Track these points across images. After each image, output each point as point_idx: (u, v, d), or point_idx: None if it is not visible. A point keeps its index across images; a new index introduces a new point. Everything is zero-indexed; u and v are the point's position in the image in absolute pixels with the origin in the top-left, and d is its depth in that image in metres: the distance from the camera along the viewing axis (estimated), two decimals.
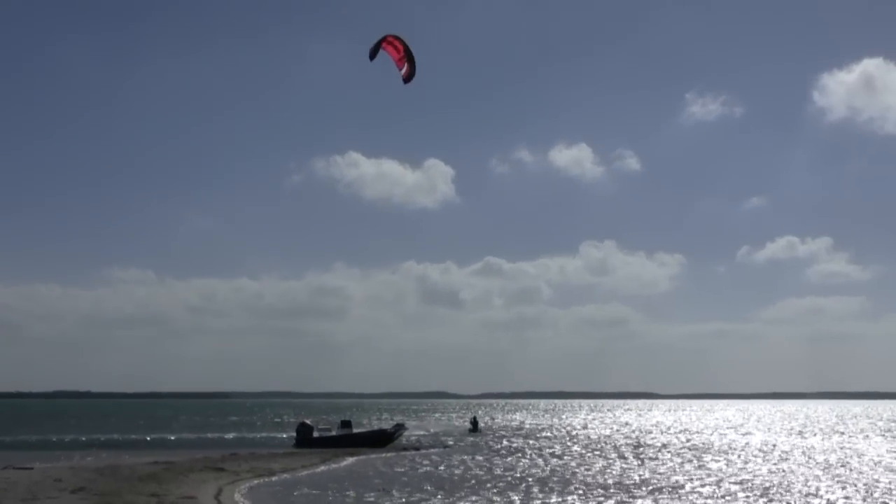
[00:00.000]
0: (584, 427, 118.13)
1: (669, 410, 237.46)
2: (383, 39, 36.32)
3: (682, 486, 42.79)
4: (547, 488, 42.53)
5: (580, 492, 41.41)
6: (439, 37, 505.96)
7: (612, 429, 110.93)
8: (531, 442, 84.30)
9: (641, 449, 72.21)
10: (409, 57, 35.98)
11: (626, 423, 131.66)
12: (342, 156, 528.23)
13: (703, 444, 78.80)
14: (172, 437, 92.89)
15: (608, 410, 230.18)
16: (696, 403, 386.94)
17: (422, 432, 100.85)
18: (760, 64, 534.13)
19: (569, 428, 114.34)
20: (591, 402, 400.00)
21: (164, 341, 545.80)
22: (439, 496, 41.06)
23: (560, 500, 38.66)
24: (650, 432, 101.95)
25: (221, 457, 59.84)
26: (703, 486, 43.47)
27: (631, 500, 38.08)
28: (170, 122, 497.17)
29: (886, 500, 37.98)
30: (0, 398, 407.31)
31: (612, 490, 42.05)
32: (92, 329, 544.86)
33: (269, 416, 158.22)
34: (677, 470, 51.50)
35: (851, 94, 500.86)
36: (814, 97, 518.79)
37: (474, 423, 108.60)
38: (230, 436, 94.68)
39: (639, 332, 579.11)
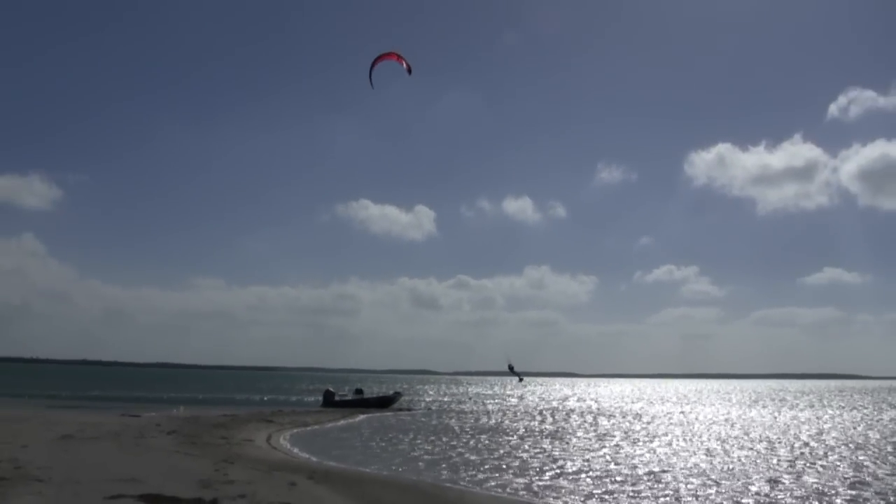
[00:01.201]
0: (521, 398, 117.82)
1: (587, 386, 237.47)
2: (376, 62, 35.86)
3: (573, 434, 43.44)
4: (490, 435, 43.20)
5: (513, 438, 42.05)
6: (424, 120, 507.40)
7: (539, 397, 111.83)
8: (483, 407, 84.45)
9: (551, 412, 72.70)
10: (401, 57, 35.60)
11: (547, 394, 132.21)
12: (356, 202, 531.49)
13: (599, 408, 79.46)
14: (236, 397, 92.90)
15: (540, 385, 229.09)
16: (605, 380, 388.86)
17: (417, 398, 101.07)
18: (648, 144, 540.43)
19: (511, 396, 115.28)
20: (530, 378, 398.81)
21: (229, 330, 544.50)
22: (419, 438, 42.07)
23: (500, 439, 39.35)
24: (566, 400, 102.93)
25: (270, 412, 60.01)
26: (586, 433, 44.17)
27: (536, 442, 38.71)
28: (240, 174, 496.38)
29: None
30: (119, 366, 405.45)
31: (524, 435, 42.76)
32: (181, 320, 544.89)
33: (303, 385, 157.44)
34: (574, 425, 52.03)
35: (710, 167, 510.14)
36: (685, 168, 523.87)
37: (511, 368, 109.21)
38: (277, 397, 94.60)
39: (565, 331, 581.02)
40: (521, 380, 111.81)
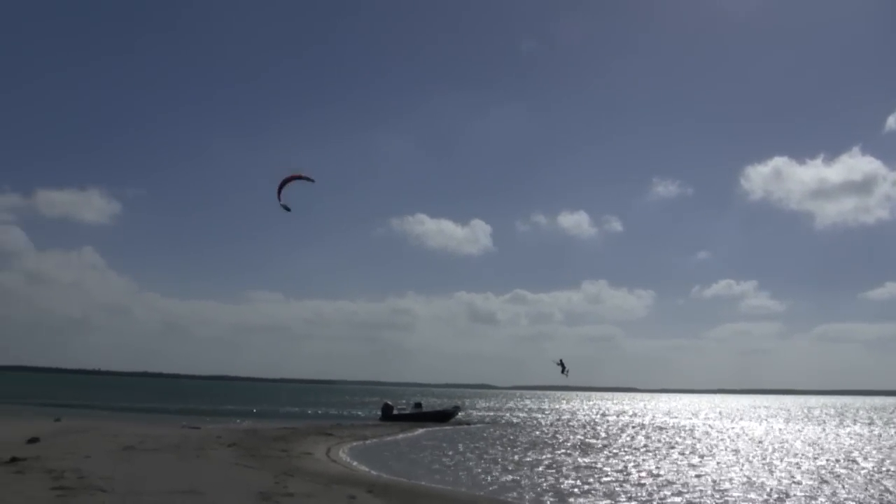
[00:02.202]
0: (574, 412, 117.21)
1: (645, 401, 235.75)
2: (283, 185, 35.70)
3: (634, 449, 43.09)
4: (548, 449, 43.01)
5: (570, 452, 41.78)
6: (477, 133, 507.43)
7: (597, 411, 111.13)
8: (541, 421, 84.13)
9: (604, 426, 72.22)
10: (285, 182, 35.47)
11: (607, 409, 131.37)
12: (412, 216, 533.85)
13: (654, 423, 78.81)
14: (294, 410, 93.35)
15: (599, 400, 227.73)
16: (664, 396, 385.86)
17: (476, 413, 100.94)
18: (704, 158, 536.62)
19: (570, 411, 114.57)
20: (588, 393, 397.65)
21: (287, 343, 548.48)
22: (477, 452, 41.66)
23: (558, 454, 39.12)
24: (622, 415, 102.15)
25: (329, 426, 60.28)
26: (644, 449, 43.80)
27: (593, 457, 38.44)
28: (295, 187, 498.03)
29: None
30: (178, 378, 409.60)
31: (580, 449, 42.44)
32: (238, 333, 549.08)
33: (361, 398, 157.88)
34: (633, 441, 51.69)
35: (766, 181, 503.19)
36: (741, 182, 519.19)
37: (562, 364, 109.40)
38: (335, 411, 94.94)
39: (623, 345, 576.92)
40: (564, 371, 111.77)
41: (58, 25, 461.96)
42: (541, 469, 35.36)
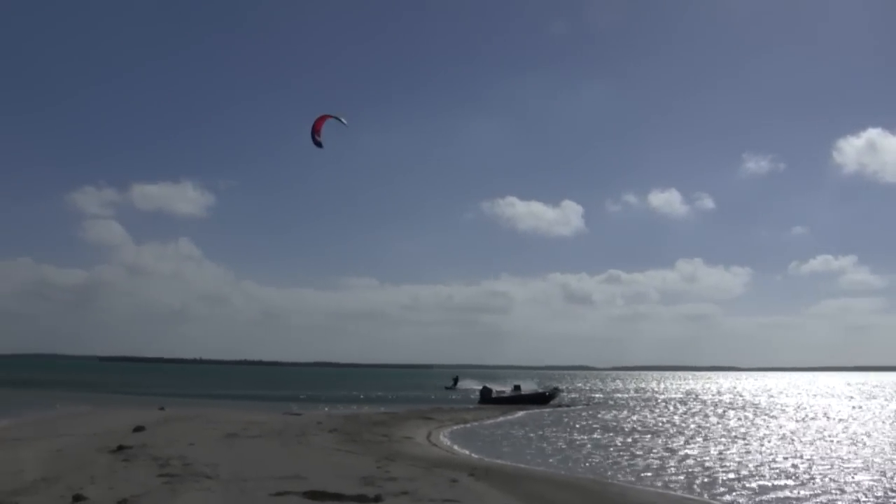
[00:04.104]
0: (672, 392, 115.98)
1: (747, 379, 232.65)
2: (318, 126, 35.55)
3: (733, 430, 42.52)
4: (648, 430, 42.69)
5: (671, 433, 41.36)
6: (563, 114, 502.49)
7: (697, 392, 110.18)
8: (640, 402, 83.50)
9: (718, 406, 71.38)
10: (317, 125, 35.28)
11: (707, 388, 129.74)
12: (503, 199, 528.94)
13: (756, 403, 77.54)
14: (392, 396, 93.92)
15: (697, 380, 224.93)
16: (764, 374, 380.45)
17: (575, 395, 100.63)
18: (794, 132, 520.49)
19: (668, 391, 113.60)
20: (686, 373, 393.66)
21: (384, 329, 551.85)
22: (577, 434, 41.58)
23: (658, 435, 38.81)
24: (722, 394, 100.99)
25: (429, 409, 60.65)
26: (746, 430, 43.15)
27: (694, 437, 38.02)
28: (386, 174, 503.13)
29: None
30: (277, 366, 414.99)
31: (682, 431, 41.96)
32: (335, 320, 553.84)
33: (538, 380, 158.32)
34: (733, 422, 51.04)
35: (860, 154, 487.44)
36: (834, 155, 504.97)
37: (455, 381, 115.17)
38: (433, 395, 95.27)
39: (721, 324, 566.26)
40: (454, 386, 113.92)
41: (146, 20, 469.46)
42: (641, 451, 35.05)
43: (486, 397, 73.64)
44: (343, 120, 35.98)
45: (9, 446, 29.90)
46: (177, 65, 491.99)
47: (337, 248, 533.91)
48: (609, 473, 27.91)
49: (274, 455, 27.36)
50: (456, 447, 35.38)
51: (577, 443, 38.69)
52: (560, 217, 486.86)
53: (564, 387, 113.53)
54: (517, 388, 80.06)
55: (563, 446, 36.91)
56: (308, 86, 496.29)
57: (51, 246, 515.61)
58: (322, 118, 35.20)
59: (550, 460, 31.51)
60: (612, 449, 35.90)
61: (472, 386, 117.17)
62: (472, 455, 32.23)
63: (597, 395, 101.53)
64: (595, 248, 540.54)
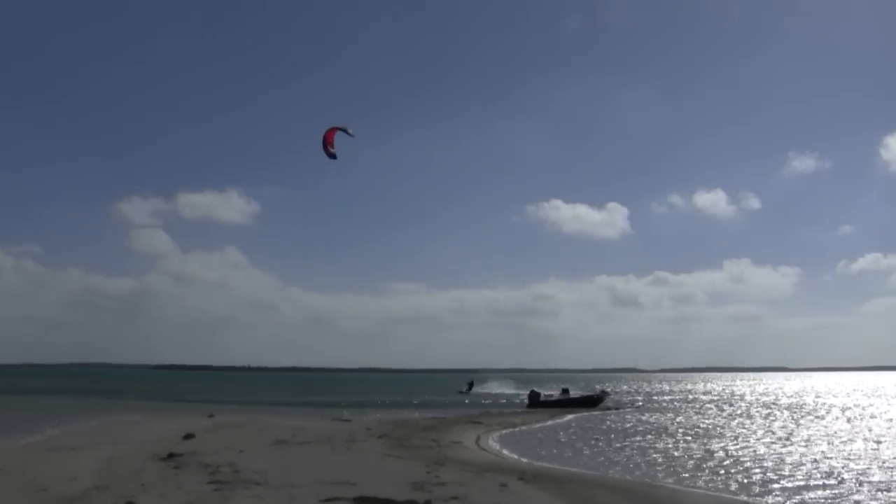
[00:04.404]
0: (721, 393, 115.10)
1: (793, 380, 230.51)
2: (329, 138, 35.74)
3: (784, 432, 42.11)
4: (698, 432, 42.43)
5: (723, 436, 41.12)
6: (605, 117, 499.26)
7: (748, 393, 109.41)
8: (690, 404, 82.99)
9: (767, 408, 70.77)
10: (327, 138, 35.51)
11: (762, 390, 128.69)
12: (547, 202, 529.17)
13: (811, 403, 76.85)
14: (441, 399, 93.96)
15: (749, 381, 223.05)
16: (816, 374, 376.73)
17: (623, 397, 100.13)
18: (839, 130, 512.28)
19: (717, 392, 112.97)
20: (735, 374, 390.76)
21: (431, 334, 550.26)
22: (626, 436, 41.50)
23: (708, 437, 38.56)
24: (771, 395, 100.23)
25: (478, 414, 60.75)
26: (798, 431, 42.76)
27: (745, 439, 37.72)
28: (429, 179, 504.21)
29: None
30: (325, 372, 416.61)
31: (734, 433, 41.65)
32: (383, 325, 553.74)
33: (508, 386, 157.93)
34: (784, 423, 50.57)
35: None
36: (881, 153, 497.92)
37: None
38: (482, 399, 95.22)
39: (770, 324, 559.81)
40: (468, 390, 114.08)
41: (191, 32, 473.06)
42: (688, 454, 34.84)
43: (535, 401, 73.47)
44: (350, 131, 36.29)
45: (62, 454, 30.23)
46: (221, 75, 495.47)
47: (383, 253, 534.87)
48: (657, 476, 27.77)
49: (323, 461, 27.45)
50: (505, 451, 35.34)
51: (626, 446, 38.51)
52: (605, 219, 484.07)
53: (612, 389, 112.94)
54: (565, 391, 79.82)
55: (612, 449, 36.77)
56: (351, 92, 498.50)
57: (99, 255, 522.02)
58: (332, 130, 35.48)
59: (599, 463, 31.40)
60: (659, 451, 35.72)
61: (491, 390, 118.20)
62: (521, 459, 32.18)
63: (645, 398, 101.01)
64: (641, 250, 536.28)
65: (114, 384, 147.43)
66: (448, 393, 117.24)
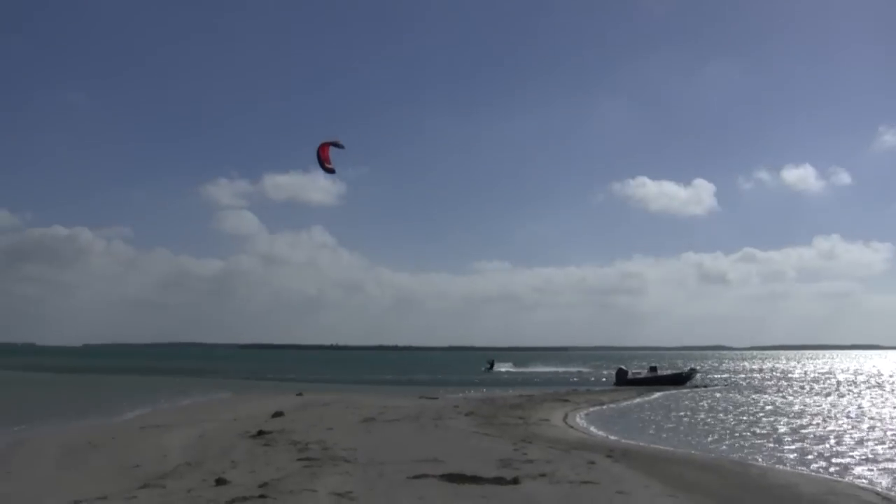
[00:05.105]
0: (813, 371, 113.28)
1: (882, 357, 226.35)
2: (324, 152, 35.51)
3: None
4: (790, 411, 41.86)
5: (814, 414, 40.50)
6: (689, 92, 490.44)
7: (840, 371, 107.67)
8: (781, 382, 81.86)
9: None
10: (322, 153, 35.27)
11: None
12: (633, 179, 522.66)
13: None
14: (534, 369, 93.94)
15: (840, 359, 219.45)
16: None
17: (711, 375, 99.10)
18: None
19: (806, 371, 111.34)
20: (826, 352, 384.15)
21: (518, 312, 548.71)
22: (715, 414, 41.23)
23: (800, 415, 37.97)
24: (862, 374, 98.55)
25: (565, 392, 60.48)
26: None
27: (835, 419, 37.06)
28: (514, 157, 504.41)
29: None
30: (411, 351, 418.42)
31: (825, 413, 40.95)
32: (469, 304, 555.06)
33: (596, 364, 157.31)
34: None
35: None
36: None
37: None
38: (568, 377, 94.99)
39: (862, 301, 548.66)
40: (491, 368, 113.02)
41: (274, 13, 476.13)
42: (778, 432, 34.37)
43: (622, 379, 73.08)
44: (340, 144, 36.47)
45: (154, 432, 30.74)
46: (305, 57, 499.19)
47: (469, 232, 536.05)
48: (747, 454, 27.41)
49: (411, 439, 27.53)
50: (593, 429, 35.12)
51: (714, 424, 38.08)
52: (692, 196, 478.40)
53: (700, 367, 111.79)
54: (653, 369, 79.12)
55: (700, 427, 36.40)
56: (438, 73, 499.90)
57: (187, 237, 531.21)
58: (325, 146, 35.53)
59: (688, 441, 31.08)
60: (748, 429, 35.28)
61: (508, 368, 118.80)
62: (609, 437, 31.95)
63: (733, 376, 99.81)
64: (729, 227, 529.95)
65: (203, 363, 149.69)
66: (438, 371, 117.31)
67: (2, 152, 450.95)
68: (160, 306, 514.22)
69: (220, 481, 18.04)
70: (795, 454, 27.27)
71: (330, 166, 35.50)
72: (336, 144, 36.33)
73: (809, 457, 26.59)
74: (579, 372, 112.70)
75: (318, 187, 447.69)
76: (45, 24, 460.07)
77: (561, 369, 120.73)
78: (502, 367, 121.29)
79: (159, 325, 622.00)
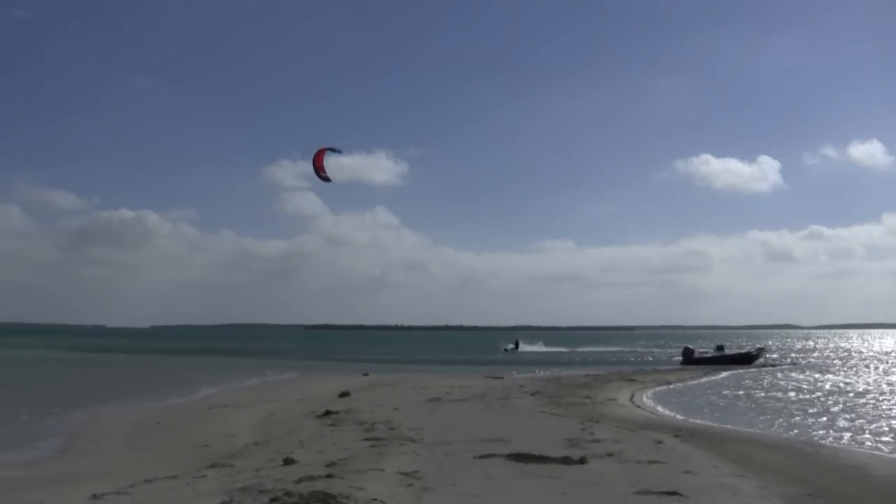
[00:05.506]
0: (881, 350, 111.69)
1: None
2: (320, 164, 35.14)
3: None
4: (860, 391, 41.35)
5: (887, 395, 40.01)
6: (750, 69, 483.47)
7: None
8: (851, 362, 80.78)
9: None
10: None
11: None
12: (696, 157, 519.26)
13: None
14: (594, 355, 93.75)
15: None
16: None
17: (779, 354, 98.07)
18: None
19: (875, 349, 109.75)
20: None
21: (582, 291, 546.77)
22: (782, 394, 40.89)
23: (871, 396, 37.47)
24: None
25: (631, 371, 60.33)
26: None
27: None
28: (575, 137, 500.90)
29: None
30: (475, 330, 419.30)
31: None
32: (533, 283, 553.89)
33: (660, 343, 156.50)
34: None
35: None
36: None
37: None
38: (633, 357, 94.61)
39: None
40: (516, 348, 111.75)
41: (333, 3, 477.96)
42: (848, 412, 33.91)
43: (689, 358, 72.69)
44: (337, 148, 36.35)
45: (222, 412, 31.14)
46: (363, 40, 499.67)
47: (532, 211, 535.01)
48: (816, 434, 27.07)
49: (477, 418, 27.54)
50: (660, 408, 34.93)
51: (782, 403, 37.67)
52: (757, 173, 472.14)
53: (767, 346, 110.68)
54: (720, 348, 78.52)
55: (767, 407, 35.99)
56: (497, 51, 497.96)
57: (251, 219, 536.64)
58: (320, 153, 35.33)
59: (757, 421, 30.77)
60: (817, 409, 34.87)
61: (532, 348, 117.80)
62: (677, 416, 31.75)
63: (801, 355, 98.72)
64: (794, 204, 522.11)
65: (268, 344, 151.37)
66: (464, 351, 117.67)
67: (69, 137, 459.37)
68: (225, 288, 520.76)
69: (288, 461, 18.16)
70: (865, 435, 26.84)
71: (325, 175, 35.36)
72: (333, 150, 36.30)
73: (881, 439, 26.17)
74: (620, 351, 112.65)
75: (380, 168, 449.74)
76: (113, 9, 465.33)
77: (600, 349, 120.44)
78: (530, 347, 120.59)
79: (224, 307, 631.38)
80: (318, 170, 35.17)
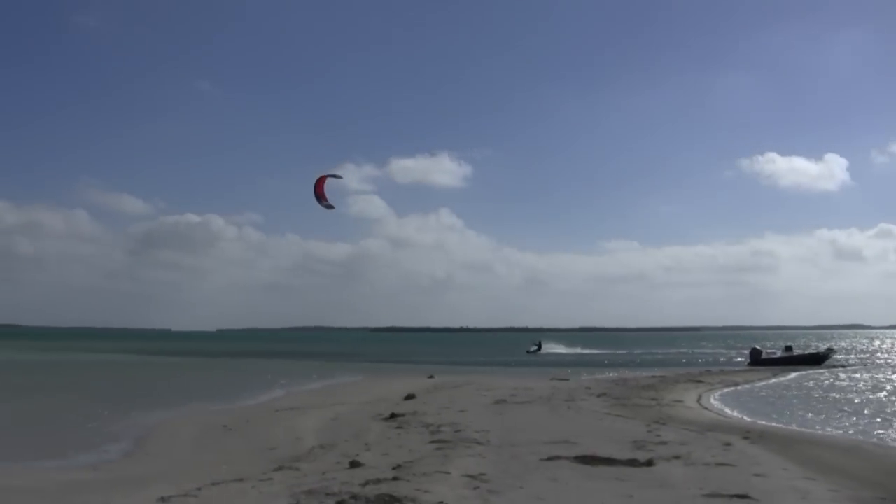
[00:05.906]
0: None
1: None
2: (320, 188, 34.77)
3: None
4: None
5: None
6: (816, 65, 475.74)
7: None
8: None
9: None
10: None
11: None
12: (762, 155, 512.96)
13: None
14: (656, 357, 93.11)
15: None
16: None
17: (849, 355, 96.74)
18: None
19: None
20: None
21: (647, 292, 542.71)
22: (855, 395, 40.43)
23: None
24: None
25: (699, 373, 59.74)
26: None
27: None
28: (638, 136, 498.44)
29: None
30: (541, 332, 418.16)
31: None
32: (596, 284, 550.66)
33: (727, 343, 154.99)
34: None
35: None
36: None
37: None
38: (701, 358, 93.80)
39: None
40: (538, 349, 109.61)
41: (397, 8, 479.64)
42: None
43: (756, 359, 71.95)
44: (338, 175, 36.36)
45: (288, 415, 31.35)
46: (427, 43, 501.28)
47: (595, 211, 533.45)
48: (889, 437, 26.65)
49: (543, 420, 27.49)
50: (727, 410, 34.57)
51: (853, 404, 37.15)
52: (824, 171, 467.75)
53: (837, 346, 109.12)
54: (789, 348, 77.57)
55: (838, 408, 35.50)
56: (561, 53, 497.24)
57: (316, 222, 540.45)
58: (321, 180, 35.15)
59: (827, 423, 30.34)
60: (889, 410, 34.38)
61: (555, 350, 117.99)
62: (745, 418, 31.41)
63: (872, 356, 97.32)
64: (863, 202, 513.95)
65: (333, 347, 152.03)
66: (483, 353, 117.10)
67: (135, 142, 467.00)
68: (291, 291, 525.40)
69: (354, 463, 18.24)
70: None
71: (327, 202, 35.30)
72: (333, 176, 36.35)
73: None
74: (679, 353, 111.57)
75: (443, 170, 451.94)
76: (178, 14, 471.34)
77: (622, 351, 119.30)
78: (554, 350, 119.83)
79: (290, 310, 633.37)
80: (320, 197, 35.15)
